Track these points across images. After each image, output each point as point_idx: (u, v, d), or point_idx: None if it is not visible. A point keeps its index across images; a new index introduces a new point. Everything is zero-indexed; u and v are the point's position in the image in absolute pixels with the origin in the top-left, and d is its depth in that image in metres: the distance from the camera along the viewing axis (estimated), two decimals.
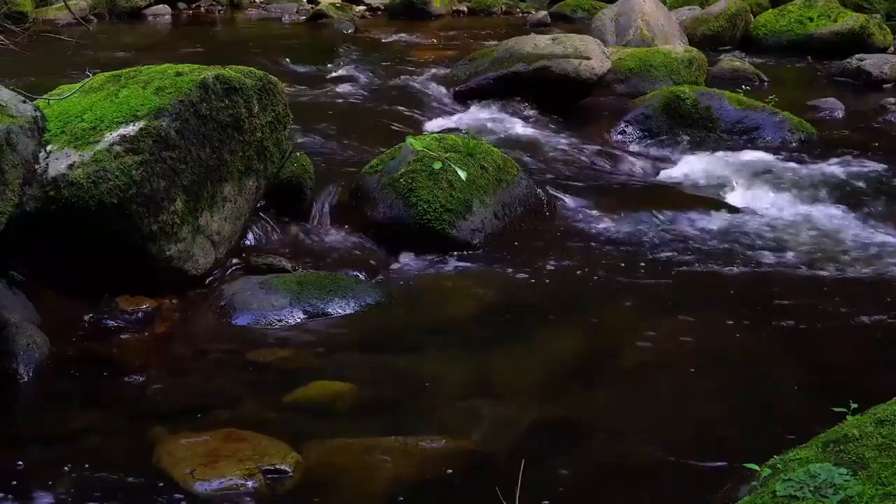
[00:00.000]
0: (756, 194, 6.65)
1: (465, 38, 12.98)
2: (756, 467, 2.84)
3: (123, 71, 5.22)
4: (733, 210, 6.32)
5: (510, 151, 6.64)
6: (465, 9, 15.84)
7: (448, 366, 4.37)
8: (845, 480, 2.57)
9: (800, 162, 7.38)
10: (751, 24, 12.47)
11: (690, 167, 7.27)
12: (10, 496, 3.28)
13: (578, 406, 4.02)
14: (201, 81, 4.91)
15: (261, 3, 16.03)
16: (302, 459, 3.48)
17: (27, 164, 4.13)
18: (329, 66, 10.54)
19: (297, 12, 15.32)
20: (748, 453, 3.15)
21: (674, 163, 7.42)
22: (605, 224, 6.02)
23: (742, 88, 8.94)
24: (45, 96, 4.83)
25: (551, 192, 6.32)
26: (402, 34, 13.14)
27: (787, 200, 6.52)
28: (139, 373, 4.17)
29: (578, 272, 5.35)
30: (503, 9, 16.12)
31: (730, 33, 12.31)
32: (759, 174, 7.09)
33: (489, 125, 7.98)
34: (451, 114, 8.41)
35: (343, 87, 9.40)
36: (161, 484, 3.35)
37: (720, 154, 7.52)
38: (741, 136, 7.91)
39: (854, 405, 3.06)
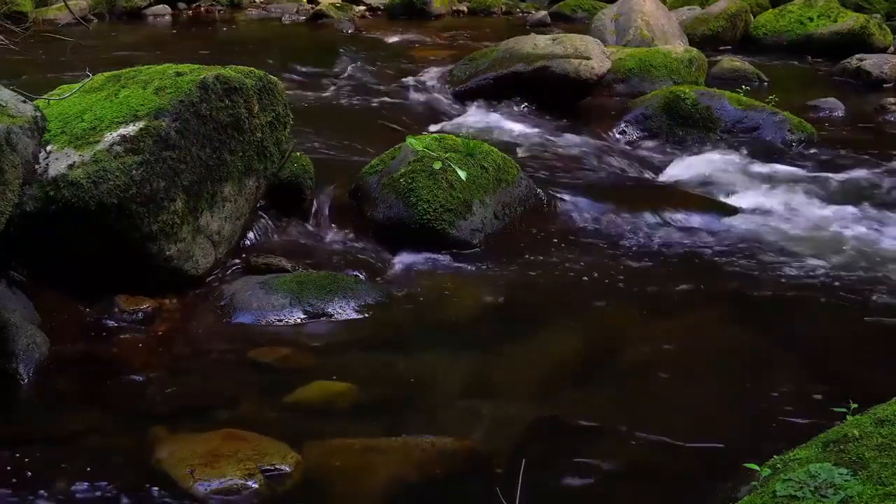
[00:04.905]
0: (756, 194, 6.64)
1: (465, 38, 12.98)
2: (756, 467, 2.85)
3: (123, 71, 5.21)
4: (733, 210, 6.31)
5: (510, 151, 6.63)
6: (465, 9, 15.83)
7: (448, 366, 4.37)
8: (845, 480, 2.57)
9: (800, 162, 7.39)
10: (751, 24, 12.47)
11: (690, 167, 7.27)
12: (10, 496, 3.27)
13: (578, 406, 4.02)
14: (201, 81, 4.90)
15: (261, 2, 16.02)
16: (302, 459, 3.48)
17: (27, 164, 4.13)
18: (329, 66, 10.54)
19: (297, 12, 15.31)
20: (748, 453, 3.15)
21: (674, 163, 7.41)
22: (604, 224, 6.02)
23: (742, 88, 8.94)
24: (45, 96, 4.83)
25: (551, 191, 6.31)
26: (402, 34, 13.14)
27: (786, 200, 6.51)
28: (139, 373, 4.17)
29: (578, 272, 5.35)
30: (503, 9, 16.11)
31: (730, 33, 12.31)
32: (758, 174, 7.09)
33: (489, 125, 7.98)
34: (451, 114, 8.41)
35: (343, 87, 9.41)
36: (161, 484, 3.35)
37: (720, 154, 7.51)
38: (741, 136, 7.90)
39: (854, 405, 3.06)
